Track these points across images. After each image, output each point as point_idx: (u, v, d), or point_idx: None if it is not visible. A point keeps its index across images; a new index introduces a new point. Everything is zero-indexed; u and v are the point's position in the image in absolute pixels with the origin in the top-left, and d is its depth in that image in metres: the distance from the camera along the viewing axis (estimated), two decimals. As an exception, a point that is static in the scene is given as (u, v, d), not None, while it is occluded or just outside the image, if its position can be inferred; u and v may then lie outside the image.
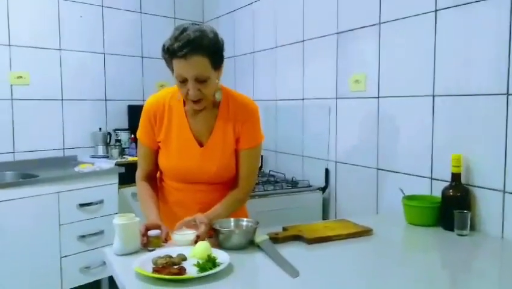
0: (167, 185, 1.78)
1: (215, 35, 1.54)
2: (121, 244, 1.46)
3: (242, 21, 3.55)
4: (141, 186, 1.76)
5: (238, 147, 1.70)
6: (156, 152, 1.74)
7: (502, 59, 1.74)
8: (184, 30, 1.49)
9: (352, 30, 2.49)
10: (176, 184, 1.74)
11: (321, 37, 2.73)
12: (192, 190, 1.71)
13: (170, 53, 1.50)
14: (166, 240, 1.52)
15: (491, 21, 1.78)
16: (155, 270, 1.27)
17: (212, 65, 1.52)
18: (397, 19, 2.20)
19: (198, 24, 1.54)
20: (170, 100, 1.69)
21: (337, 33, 2.60)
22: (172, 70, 1.56)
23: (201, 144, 1.67)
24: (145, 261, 1.33)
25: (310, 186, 2.74)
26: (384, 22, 2.28)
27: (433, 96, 2.02)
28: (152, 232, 1.49)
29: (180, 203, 1.73)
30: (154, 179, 1.80)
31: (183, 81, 1.52)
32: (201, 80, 1.51)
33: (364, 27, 2.40)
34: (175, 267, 1.28)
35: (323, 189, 2.71)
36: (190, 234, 1.49)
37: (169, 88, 1.72)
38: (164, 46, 1.52)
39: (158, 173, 1.81)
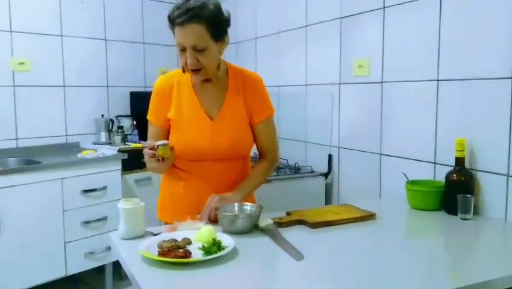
0: (177, 168, 1.74)
1: (217, 7, 1.56)
2: (127, 228, 1.47)
3: (244, 6, 3.52)
4: None
5: (253, 122, 1.72)
6: (166, 132, 1.73)
7: (507, 43, 1.73)
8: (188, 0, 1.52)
9: (356, 14, 2.47)
10: (189, 164, 1.71)
11: (324, 21, 2.71)
12: (204, 170, 1.68)
13: (170, 21, 1.54)
14: (172, 148, 1.55)
15: (496, 5, 1.76)
16: (160, 254, 1.28)
17: (210, 35, 1.53)
18: (402, 3, 2.18)
19: None
20: (179, 77, 1.71)
21: (341, 18, 2.58)
22: None
23: (212, 118, 1.68)
24: (150, 245, 1.34)
25: (313, 172, 2.74)
26: (389, 6, 2.26)
27: (438, 81, 2.01)
28: (158, 142, 1.51)
29: (191, 186, 1.71)
30: None
31: (183, 49, 1.55)
32: (199, 50, 1.53)
33: (368, 11, 2.38)
34: (180, 250, 1.29)
35: (326, 174, 2.72)
36: (194, 225, 1.50)
37: (178, 69, 1.74)
38: (168, 14, 1.56)
39: None
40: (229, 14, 1.62)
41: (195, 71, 1.59)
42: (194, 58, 1.55)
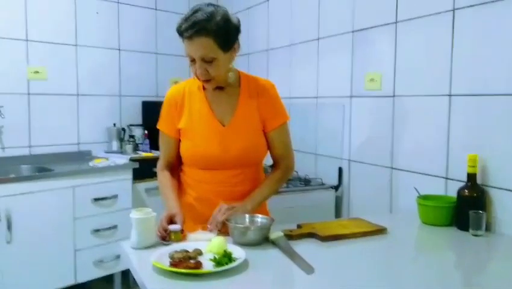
0: (189, 179, 1.75)
1: (224, 17, 1.54)
2: (138, 238, 1.47)
3: (257, 18, 3.56)
4: (161, 175, 1.77)
5: (267, 129, 1.72)
6: (177, 142, 1.74)
7: (521, 59, 1.73)
8: (195, 11, 1.53)
9: (368, 28, 2.49)
10: (200, 174, 1.71)
11: (336, 35, 2.72)
12: (216, 178, 1.68)
13: (179, 33, 1.56)
14: (183, 233, 1.54)
15: (509, 22, 1.76)
16: (172, 264, 1.28)
17: (219, 46, 1.54)
18: (414, 18, 2.19)
19: (213, 6, 1.56)
20: (191, 86, 1.73)
21: (353, 31, 2.59)
22: None
23: (224, 125, 1.68)
24: (162, 255, 1.35)
25: (323, 184, 2.74)
26: (401, 21, 2.27)
27: (450, 96, 2.01)
28: (172, 227, 1.51)
29: (203, 198, 1.70)
30: (175, 169, 1.80)
31: (192, 60, 1.58)
32: (207, 61, 1.55)
33: (380, 25, 2.39)
34: (192, 261, 1.29)
35: (336, 187, 2.71)
36: (205, 236, 1.50)
37: (190, 79, 1.76)
38: (176, 27, 1.58)
39: (180, 167, 1.81)
40: (239, 21, 1.62)
41: (205, 80, 1.61)
42: (203, 69, 1.57)
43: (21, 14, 3.21)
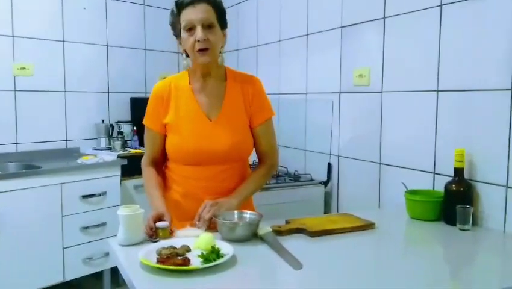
0: (175, 175, 1.74)
1: None
2: (126, 234, 1.46)
3: (246, 14, 3.54)
4: (146, 172, 1.76)
5: (252, 124, 1.72)
6: (163, 137, 1.72)
7: (507, 54, 1.74)
8: None
9: (356, 24, 2.49)
10: (187, 169, 1.69)
11: (325, 30, 2.72)
12: (204, 176, 1.67)
13: (178, 7, 1.61)
14: (172, 231, 1.53)
15: (497, 17, 1.77)
16: (159, 261, 1.28)
17: (217, 17, 1.61)
18: (402, 14, 2.19)
19: None
20: (177, 81, 1.72)
21: (341, 27, 2.59)
22: (179, 35, 1.65)
23: (211, 120, 1.67)
24: (149, 252, 1.34)
25: (312, 180, 2.75)
26: (389, 16, 2.27)
27: (437, 91, 2.02)
28: (159, 224, 1.50)
29: (190, 194, 1.69)
30: (160, 166, 1.79)
31: (191, 29, 1.59)
32: (208, 26, 1.59)
33: (369, 21, 2.40)
34: (179, 258, 1.29)
35: (325, 183, 2.72)
36: (193, 232, 1.50)
37: (176, 74, 1.76)
38: (172, 8, 1.64)
39: (165, 164, 1.80)
40: None
41: (203, 51, 1.59)
42: (204, 34, 1.57)
43: (7, 10, 3.17)
